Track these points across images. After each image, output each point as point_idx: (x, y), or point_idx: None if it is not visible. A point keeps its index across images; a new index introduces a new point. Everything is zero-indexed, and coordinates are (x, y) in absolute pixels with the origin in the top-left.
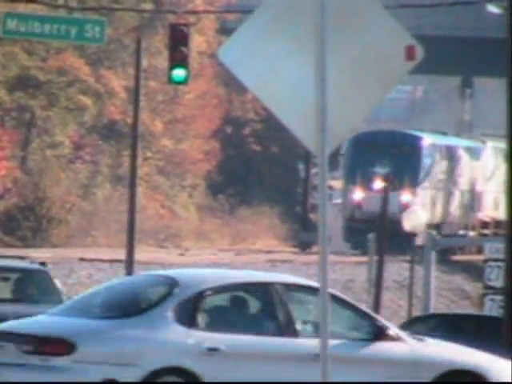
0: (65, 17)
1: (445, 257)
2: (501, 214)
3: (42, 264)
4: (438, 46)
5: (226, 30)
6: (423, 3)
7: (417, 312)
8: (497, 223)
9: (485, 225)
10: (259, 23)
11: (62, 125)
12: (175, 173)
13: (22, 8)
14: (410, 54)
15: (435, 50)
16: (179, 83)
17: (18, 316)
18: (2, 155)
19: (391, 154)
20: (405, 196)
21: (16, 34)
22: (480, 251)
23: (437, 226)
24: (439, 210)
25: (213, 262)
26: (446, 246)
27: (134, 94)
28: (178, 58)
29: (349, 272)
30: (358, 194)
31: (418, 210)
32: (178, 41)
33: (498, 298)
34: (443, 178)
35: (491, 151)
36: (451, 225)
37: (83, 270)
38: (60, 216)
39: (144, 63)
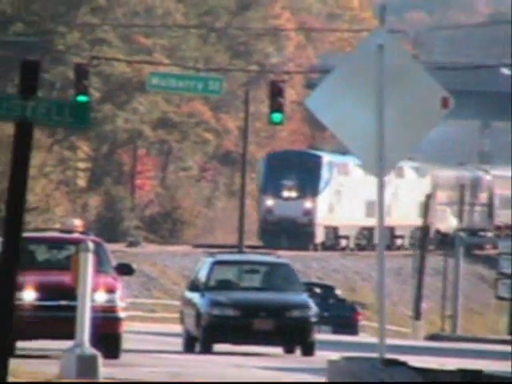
0: (194, 75)
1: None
2: (391, 219)
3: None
4: (465, 98)
5: (310, 85)
6: (456, 66)
7: (448, 293)
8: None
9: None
10: (335, 80)
11: (191, 154)
12: None
13: (162, 68)
14: (444, 103)
15: (462, 101)
16: (277, 124)
17: (266, 302)
18: (148, 176)
19: (297, 169)
20: (307, 203)
21: (158, 88)
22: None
23: (335, 228)
24: (336, 214)
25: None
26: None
27: (244, 131)
28: (276, 105)
29: (399, 262)
30: (269, 201)
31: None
32: (276, 93)
33: (508, 281)
34: (339, 188)
35: None
36: (347, 227)
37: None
38: (189, 220)
39: (251, 109)
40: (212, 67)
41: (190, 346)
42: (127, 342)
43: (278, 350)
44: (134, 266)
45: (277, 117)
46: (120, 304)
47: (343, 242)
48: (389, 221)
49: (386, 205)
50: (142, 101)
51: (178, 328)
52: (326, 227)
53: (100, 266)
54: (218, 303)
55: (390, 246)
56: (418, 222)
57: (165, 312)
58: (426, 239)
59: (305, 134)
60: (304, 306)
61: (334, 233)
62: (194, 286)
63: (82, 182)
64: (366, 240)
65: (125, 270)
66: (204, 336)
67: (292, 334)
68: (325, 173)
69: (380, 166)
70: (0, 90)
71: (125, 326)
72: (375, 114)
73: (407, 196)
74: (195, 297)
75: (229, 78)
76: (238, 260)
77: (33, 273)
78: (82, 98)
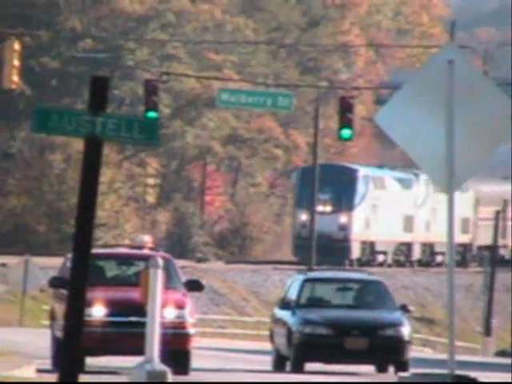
0: (263, 91)
1: None
2: (432, 235)
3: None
4: None
5: (380, 101)
6: None
7: None
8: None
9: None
10: (405, 96)
11: (260, 170)
12: None
13: (231, 84)
14: None
15: None
16: (346, 140)
17: (359, 321)
18: (217, 192)
19: (332, 182)
20: (342, 218)
21: (227, 104)
22: None
23: (371, 244)
24: (373, 229)
25: None
26: None
27: (313, 147)
28: (345, 121)
29: (470, 278)
30: (303, 216)
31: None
32: (345, 109)
33: None
34: (375, 203)
35: (423, 182)
36: (384, 243)
37: (276, 275)
38: (259, 236)
39: (321, 125)
40: (281, 83)
41: (280, 364)
42: (196, 359)
43: (370, 368)
44: (204, 282)
45: (346, 133)
46: (189, 320)
47: (380, 258)
48: (428, 237)
49: (425, 220)
50: (211, 117)
51: (247, 344)
52: (363, 242)
53: (169, 282)
54: (309, 321)
55: (430, 263)
56: (459, 238)
57: (234, 328)
58: (495, 256)
59: (375, 150)
60: (397, 325)
61: (370, 248)
62: (284, 304)
63: (151, 198)
64: (404, 256)
65: (194, 286)
66: (295, 355)
67: (385, 353)
68: (361, 187)
69: (450, 182)
70: (69, 106)
71: (194, 342)
72: (445, 130)
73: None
74: (286, 315)
75: (298, 93)
76: (329, 277)
77: (102, 289)
78: (151, 114)
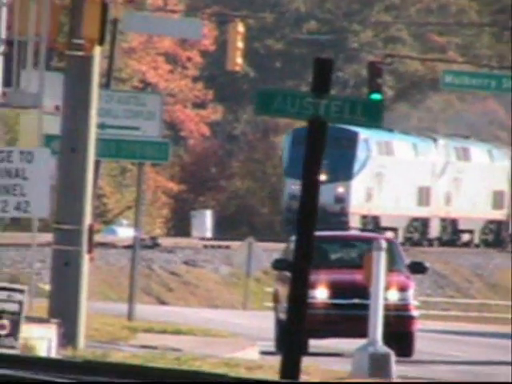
0: (487, 73)
1: None
2: (453, 209)
3: None
4: None
5: None
6: None
7: None
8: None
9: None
10: None
11: None
12: None
13: (455, 66)
14: None
15: None
16: None
17: None
18: None
19: (328, 147)
20: (339, 188)
21: (451, 86)
22: None
23: (375, 218)
24: (377, 202)
25: None
26: None
27: None
28: None
29: None
30: (294, 186)
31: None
32: None
33: None
34: (380, 171)
35: (443, 148)
36: (391, 218)
37: (500, 257)
38: None
39: None
40: (506, 65)
41: None
42: (421, 341)
43: None
44: (427, 264)
45: None
46: (413, 302)
47: (389, 235)
48: (449, 211)
49: (445, 192)
50: (436, 99)
51: (473, 327)
52: (363, 217)
53: (393, 264)
54: None
55: (455, 241)
56: (490, 214)
57: (458, 311)
58: None
59: None
60: None
61: (374, 223)
62: None
63: None
64: (418, 233)
65: (418, 268)
66: None
67: None
68: (361, 152)
69: None
70: (293, 88)
71: (418, 325)
72: None
73: (475, 183)
74: None
75: None
76: None
77: (326, 271)
78: (375, 96)
